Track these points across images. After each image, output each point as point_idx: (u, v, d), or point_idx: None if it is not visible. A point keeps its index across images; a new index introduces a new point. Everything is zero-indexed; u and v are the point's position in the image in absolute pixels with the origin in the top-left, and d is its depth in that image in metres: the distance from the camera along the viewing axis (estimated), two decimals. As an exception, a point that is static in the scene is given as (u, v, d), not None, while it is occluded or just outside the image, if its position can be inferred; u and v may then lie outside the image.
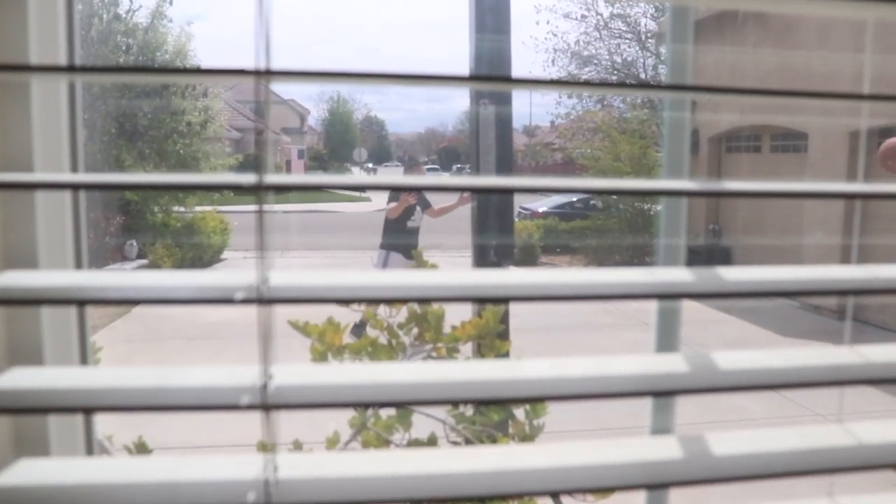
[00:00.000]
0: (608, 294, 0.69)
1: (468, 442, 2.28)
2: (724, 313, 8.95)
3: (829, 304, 9.67)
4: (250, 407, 0.52)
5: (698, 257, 12.98)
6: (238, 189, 0.53)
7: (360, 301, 0.52)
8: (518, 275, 0.67)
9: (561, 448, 0.71)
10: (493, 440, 2.17)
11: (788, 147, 11.38)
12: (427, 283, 0.56)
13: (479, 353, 2.42)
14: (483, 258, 3.74)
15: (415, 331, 2.29)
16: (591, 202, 18.00)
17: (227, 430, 3.63)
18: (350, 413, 2.18)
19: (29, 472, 0.56)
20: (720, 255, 13.14)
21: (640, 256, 14.63)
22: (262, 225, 0.52)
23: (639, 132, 16.10)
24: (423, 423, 2.07)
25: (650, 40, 21.31)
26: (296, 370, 0.57)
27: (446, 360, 2.28)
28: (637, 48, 22.13)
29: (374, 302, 0.77)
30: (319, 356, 2.30)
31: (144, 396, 0.54)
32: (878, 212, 8.96)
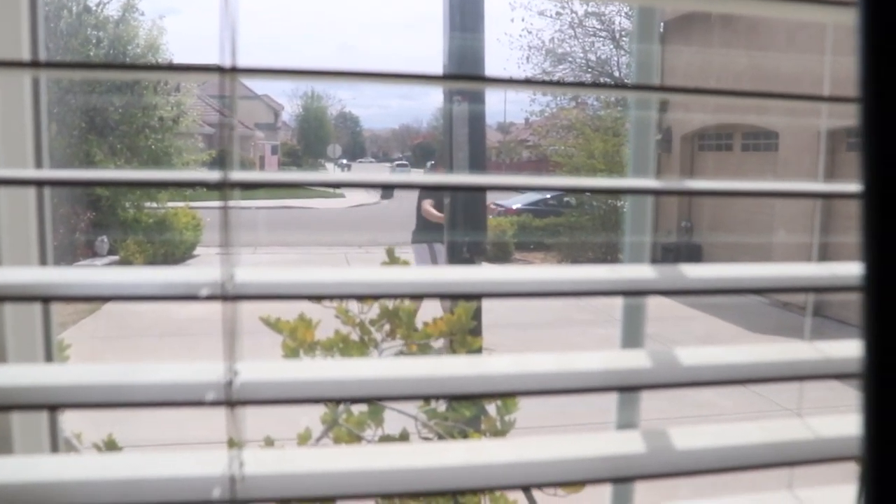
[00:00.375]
0: (575, 291, 0.69)
1: (440, 438, 2.29)
2: (692, 309, 9.03)
3: (797, 301, 9.79)
4: (215, 403, 0.52)
5: (670, 254, 13.10)
6: (203, 186, 0.53)
7: (327, 297, 0.52)
8: (488, 272, 0.68)
9: (530, 442, 0.72)
10: (465, 436, 2.18)
11: (759, 146, 11.52)
12: (395, 279, 0.56)
13: (451, 349, 2.42)
14: (455, 255, 3.75)
15: (386, 327, 2.29)
16: (565, 199, 18.09)
17: (199, 427, 3.61)
18: (322, 409, 2.18)
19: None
20: (691, 253, 13.26)
21: (612, 253, 14.72)
22: (227, 221, 0.52)
23: (612, 130, 16.19)
24: (394, 419, 2.07)
25: (624, 38, 21.43)
26: (262, 366, 0.57)
27: (416, 356, 2.29)
28: (611, 46, 22.26)
29: (343, 298, 0.76)
30: (291, 353, 2.29)
31: (109, 393, 0.53)
32: (849, 211, 9.08)
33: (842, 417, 0.79)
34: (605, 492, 0.96)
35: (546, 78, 22.17)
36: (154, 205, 14.55)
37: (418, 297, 0.54)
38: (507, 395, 1.54)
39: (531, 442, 0.73)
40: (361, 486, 0.56)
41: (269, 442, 2.17)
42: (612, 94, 20.94)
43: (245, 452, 0.56)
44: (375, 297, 0.54)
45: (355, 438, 2.16)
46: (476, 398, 1.89)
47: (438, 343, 2.30)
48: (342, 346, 2.23)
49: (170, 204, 14.83)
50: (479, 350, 2.47)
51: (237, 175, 0.52)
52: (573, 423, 5.33)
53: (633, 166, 0.81)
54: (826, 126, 9.38)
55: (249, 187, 0.54)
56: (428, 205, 7.55)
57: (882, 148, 0.43)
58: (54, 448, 0.72)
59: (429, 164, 9.93)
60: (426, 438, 2.32)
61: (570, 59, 22.46)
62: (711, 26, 11.90)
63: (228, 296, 0.52)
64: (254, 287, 0.53)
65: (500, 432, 2.34)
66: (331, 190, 37.02)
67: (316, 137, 57.21)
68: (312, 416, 2.08)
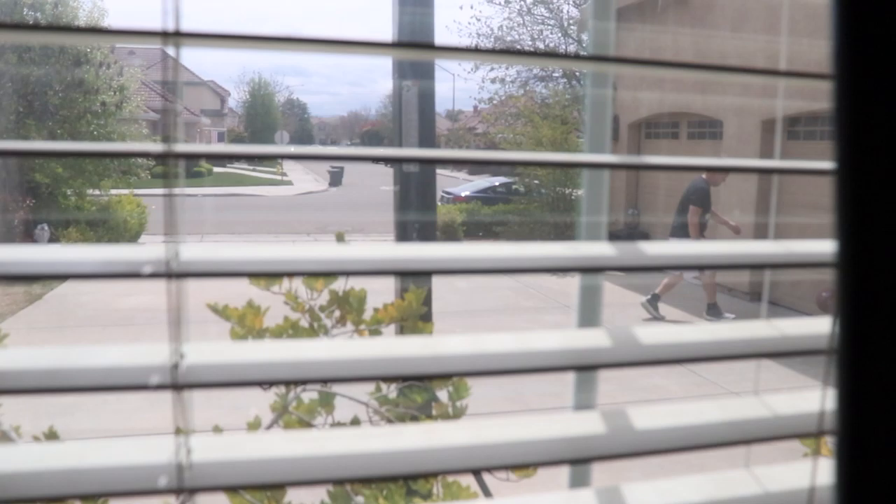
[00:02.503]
0: (536, 267, 0.68)
1: (391, 424, 2.27)
2: (637, 294, 9.16)
3: (741, 286, 10.00)
4: (160, 387, 0.49)
5: (617, 241, 13.26)
6: (147, 157, 0.50)
7: (275, 275, 0.50)
8: (438, 248, 0.66)
9: (487, 424, 0.70)
10: (417, 422, 2.17)
11: (705, 134, 11.72)
12: (345, 256, 0.54)
13: (402, 335, 2.41)
14: (404, 238, 3.73)
15: (336, 314, 2.27)
16: (514, 187, 18.18)
17: (146, 419, 3.53)
18: (271, 398, 2.14)
19: None
20: (638, 239, 13.45)
21: (561, 240, 14.85)
22: (171, 199, 0.50)
23: (560, 118, 16.32)
24: (345, 406, 2.05)
25: (572, 27, 21.57)
26: (209, 348, 0.54)
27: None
28: (559, 35, 22.38)
29: (291, 275, 0.74)
30: (239, 340, 2.25)
31: (47, 378, 0.50)
32: (793, 199, 9.30)
33: (797, 395, 0.79)
34: (557, 476, 0.95)
35: (494, 65, 22.22)
36: (97, 192, 14.19)
37: (373, 274, 0.52)
38: (464, 375, 1.53)
39: (487, 424, 0.71)
40: (314, 472, 0.54)
41: (218, 431, 2.13)
42: (564, 68, 21.03)
43: (193, 439, 0.53)
44: (328, 274, 0.52)
45: (306, 426, 2.13)
46: (432, 378, 1.87)
47: (388, 330, 2.28)
48: (292, 333, 2.20)
49: (113, 191, 14.49)
50: (429, 334, 2.46)
51: (181, 147, 0.49)
52: (525, 407, 5.37)
53: (588, 143, 0.80)
54: (770, 114, 9.57)
55: (193, 158, 0.51)
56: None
57: (855, 127, 0.42)
58: (-12, 438, 0.68)
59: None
60: (378, 425, 2.31)
61: (518, 46, 22.52)
62: (665, 9, 12.05)
63: (173, 273, 0.49)
64: (200, 264, 0.50)
65: (451, 418, 2.34)
66: (279, 177, 36.65)
67: (263, 124, 56.46)
68: (261, 405, 2.05)
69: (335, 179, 34.14)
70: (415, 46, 0.72)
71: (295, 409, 2.08)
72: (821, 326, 0.78)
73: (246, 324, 2.24)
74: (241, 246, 0.53)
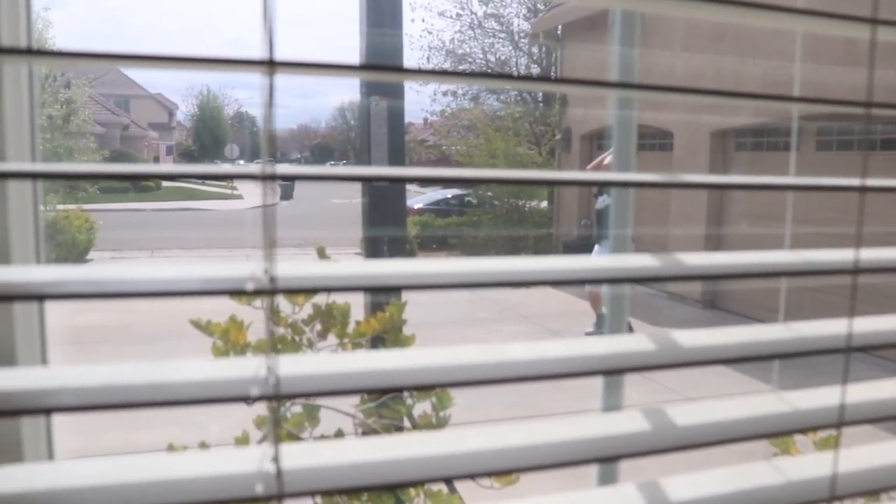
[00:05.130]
0: (573, 279, 0.72)
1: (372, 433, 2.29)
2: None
3: (693, 294, 10.20)
4: (261, 398, 0.52)
5: (571, 250, 13.41)
6: (245, 178, 0.53)
7: (370, 290, 0.53)
8: (454, 264, 0.69)
9: (531, 426, 0.74)
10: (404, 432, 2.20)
11: (655, 145, 11.95)
12: (439, 270, 0.57)
13: (384, 346, 2.43)
14: (375, 253, 3.74)
15: (318, 327, 2.28)
16: (466, 198, 18.28)
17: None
18: (255, 412, 2.14)
19: (8, 478, 0.54)
20: (590, 248, 13.60)
21: (515, 251, 14.95)
22: (268, 213, 0.52)
23: (513, 129, 16.47)
24: (330, 418, 2.06)
25: (523, 40, 21.83)
26: (301, 360, 0.57)
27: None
28: (510, 47, 22.63)
29: (386, 290, 0.76)
30: (221, 355, 2.25)
31: (150, 391, 0.52)
32: (741, 209, 9.54)
33: (814, 391, 0.84)
34: (538, 481, 0.98)
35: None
36: (43, 207, 13.86)
37: (465, 287, 0.55)
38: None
39: (530, 426, 0.75)
40: (398, 475, 0.56)
41: (205, 446, 2.12)
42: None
43: (282, 447, 0.55)
44: (425, 288, 0.55)
45: (294, 439, 2.14)
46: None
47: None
48: (281, 348, 2.21)
49: (60, 207, 14.20)
50: (411, 345, 2.49)
51: (281, 168, 0.52)
52: (489, 418, 5.41)
53: (616, 162, 0.85)
54: (718, 126, 9.81)
55: (287, 179, 0.54)
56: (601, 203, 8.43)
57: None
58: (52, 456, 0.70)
59: (329, 163, 9.91)
60: (362, 436, 2.33)
61: (469, 59, 22.72)
62: (603, 31, 12.28)
63: (276, 290, 0.52)
64: (298, 280, 0.53)
65: (435, 428, 2.37)
66: (229, 191, 36.26)
67: (212, 137, 55.81)
68: (224, 424, 2.05)
69: (286, 192, 33.89)
70: (389, 70, 0.76)
71: (285, 423, 2.09)
72: (837, 327, 0.84)
73: (230, 339, 2.24)
74: (332, 262, 0.56)
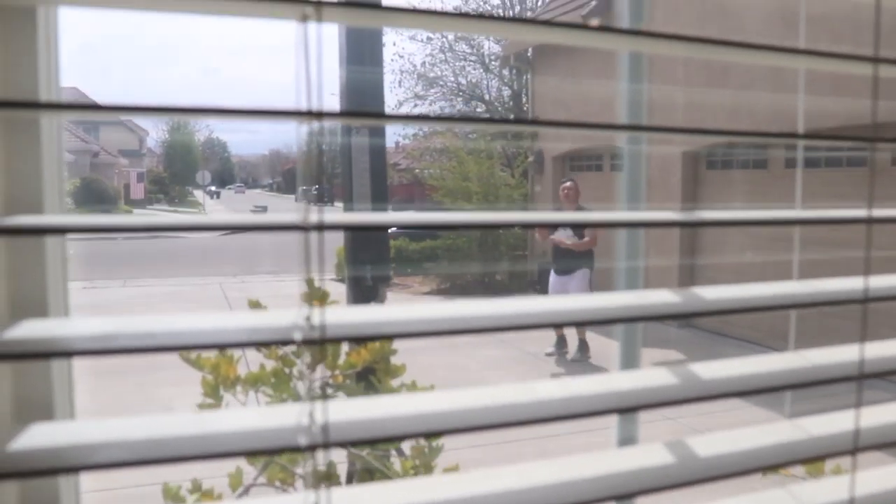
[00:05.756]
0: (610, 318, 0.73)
1: (365, 466, 2.29)
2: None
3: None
4: (309, 447, 0.52)
5: (545, 275, 13.42)
6: (284, 230, 0.53)
7: (417, 336, 0.53)
8: (499, 305, 0.71)
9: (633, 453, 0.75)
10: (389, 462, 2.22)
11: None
12: (499, 312, 0.58)
13: (375, 377, 2.43)
14: (359, 283, 3.74)
15: (308, 359, 2.28)
16: (441, 222, 18.24)
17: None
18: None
19: (52, 433, 0.54)
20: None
21: (490, 275, 14.97)
22: (309, 267, 0.53)
23: (486, 153, 16.53)
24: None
25: (494, 62, 22.00)
26: (348, 406, 0.57)
27: (345, 387, 2.29)
28: (481, 70, 22.81)
29: (438, 336, 0.77)
30: (210, 389, 2.24)
31: (199, 443, 0.53)
32: (716, 239, 9.66)
33: (828, 417, 0.86)
34: None
35: (418, 101, 22.47)
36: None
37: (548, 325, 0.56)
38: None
39: (558, 463, 0.76)
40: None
41: (197, 485, 2.10)
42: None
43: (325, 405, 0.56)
44: (491, 331, 0.55)
45: (290, 474, 2.13)
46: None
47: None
48: (274, 381, 2.20)
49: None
50: (402, 375, 2.49)
51: (330, 217, 0.53)
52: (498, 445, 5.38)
53: (626, 195, 0.86)
54: (689, 145, 9.95)
55: (334, 230, 0.54)
56: (559, 235, 8.36)
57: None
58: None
59: (301, 189, 9.89)
60: (352, 465, 2.35)
61: (440, 82, 22.86)
62: (574, 55, 12.43)
63: (326, 339, 0.53)
64: (347, 328, 0.54)
65: (427, 457, 2.37)
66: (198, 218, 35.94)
67: (183, 164, 55.50)
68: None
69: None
70: (423, 119, 0.77)
71: (279, 457, 2.08)
72: (848, 354, 0.86)
73: (221, 373, 2.23)
74: (379, 307, 0.56)
